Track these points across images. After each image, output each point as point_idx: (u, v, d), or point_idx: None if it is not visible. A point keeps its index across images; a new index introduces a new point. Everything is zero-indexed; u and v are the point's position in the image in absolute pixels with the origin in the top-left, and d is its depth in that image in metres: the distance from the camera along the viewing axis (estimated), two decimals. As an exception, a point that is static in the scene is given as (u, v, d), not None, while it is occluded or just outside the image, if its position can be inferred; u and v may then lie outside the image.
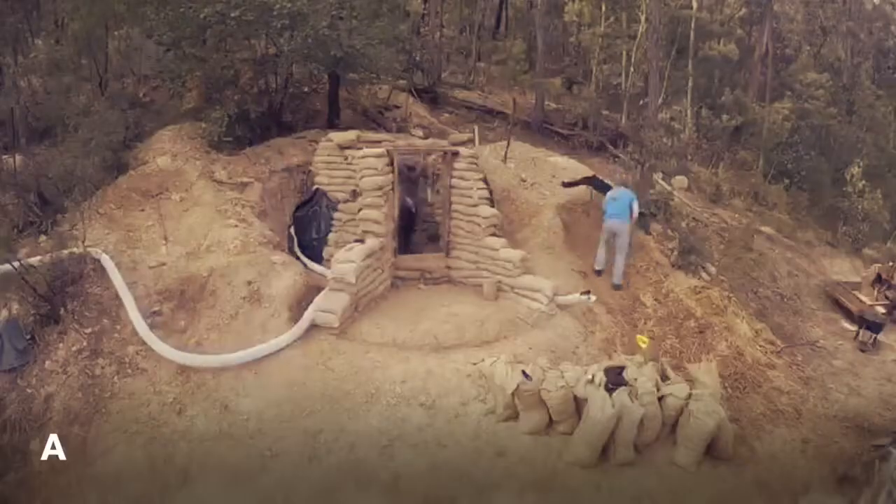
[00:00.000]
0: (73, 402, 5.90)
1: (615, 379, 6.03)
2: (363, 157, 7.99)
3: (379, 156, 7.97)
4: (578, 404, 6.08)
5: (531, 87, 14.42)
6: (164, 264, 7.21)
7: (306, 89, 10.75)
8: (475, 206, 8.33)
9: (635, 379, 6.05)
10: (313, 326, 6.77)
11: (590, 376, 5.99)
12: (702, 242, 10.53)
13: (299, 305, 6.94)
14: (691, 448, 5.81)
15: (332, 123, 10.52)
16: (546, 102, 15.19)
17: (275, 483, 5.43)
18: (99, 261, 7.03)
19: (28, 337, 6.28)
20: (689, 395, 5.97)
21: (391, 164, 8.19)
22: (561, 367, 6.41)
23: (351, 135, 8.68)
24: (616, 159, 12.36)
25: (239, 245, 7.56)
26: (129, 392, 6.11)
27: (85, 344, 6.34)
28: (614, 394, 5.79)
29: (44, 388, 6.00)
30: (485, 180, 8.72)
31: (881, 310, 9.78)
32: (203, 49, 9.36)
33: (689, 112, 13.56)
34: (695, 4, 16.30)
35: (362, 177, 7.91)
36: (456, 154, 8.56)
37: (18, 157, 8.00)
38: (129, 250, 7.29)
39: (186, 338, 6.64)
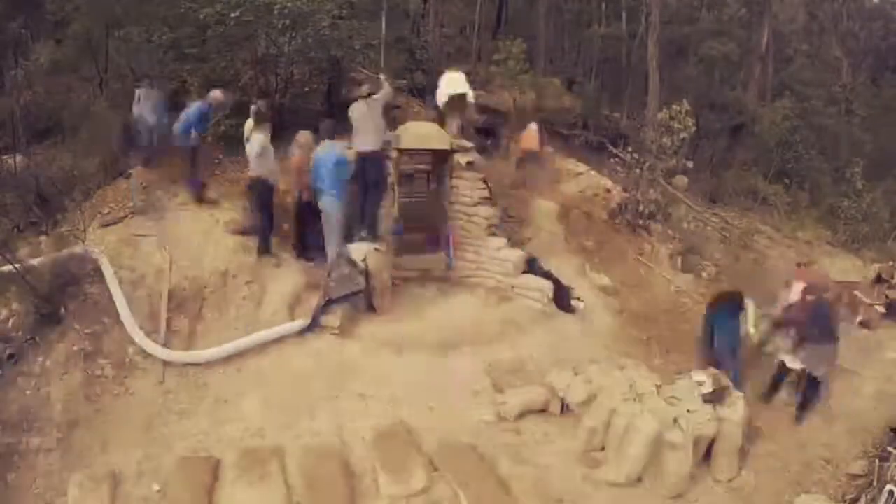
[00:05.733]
0: (74, 402, 5.90)
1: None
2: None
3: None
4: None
5: (531, 86, 14.44)
6: (164, 265, 7.21)
7: (306, 89, 10.75)
8: (475, 205, 8.33)
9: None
10: (314, 326, 6.78)
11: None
12: (702, 242, 10.54)
13: (300, 305, 6.94)
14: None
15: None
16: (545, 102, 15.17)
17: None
18: (98, 261, 7.03)
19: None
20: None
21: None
22: (588, 372, 6.41)
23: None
24: (616, 159, 12.38)
25: (239, 245, 7.57)
26: (130, 392, 6.11)
27: (85, 344, 6.34)
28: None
29: (44, 388, 5.99)
30: (485, 180, 8.73)
31: (881, 309, 9.80)
32: (203, 49, 9.37)
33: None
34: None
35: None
36: (456, 153, 8.56)
37: (18, 157, 8.00)
38: (129, 250, 7.29)
39: (186, 338, 6.64)
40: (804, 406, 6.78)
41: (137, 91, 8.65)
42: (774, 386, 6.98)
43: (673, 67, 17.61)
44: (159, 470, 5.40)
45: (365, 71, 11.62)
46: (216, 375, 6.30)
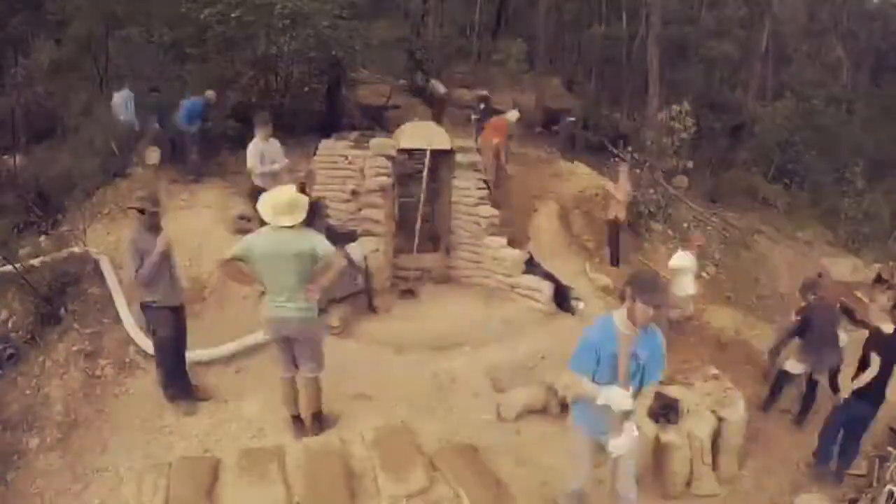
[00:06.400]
0: (73, 402, 5.89)
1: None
2: (373, 156, 8.02)
3: (388, 156, 8.00)
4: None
5: (531, 86, 14.47)
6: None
7: (307, 89, 10.76)
8: (475, 205, 8.34)
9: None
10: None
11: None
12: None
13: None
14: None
15: (333, 123, 10.54)
16: (546, 102, 15.19)
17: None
18: (98, 261, 7.03)
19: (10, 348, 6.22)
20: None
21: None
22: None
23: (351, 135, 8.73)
24: (616, 159, 12.39)
25: (239, 245, 7.56)
26: (130, 392, 6.11)
27: (85, 344, 6.34)
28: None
29: (44, 388, 5.99)
30: (485, 180, 8.74)
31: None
32: (203, 49, 9.39)
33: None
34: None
35: (373, 175, 7.91)
36: (456, 153, 8.58)
37: (18, 157, 8.02)
38: (129, 250, 7.29)
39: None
40: (806, 409, 6.74)
41: (115, 94, 8.84)
42: (773, 394, 6.85)
43: (673, 67, 17.61)
44: (159, 470, 5.39)
45: (365, 71, 11.65)
46: (216, 375, 6.29)
